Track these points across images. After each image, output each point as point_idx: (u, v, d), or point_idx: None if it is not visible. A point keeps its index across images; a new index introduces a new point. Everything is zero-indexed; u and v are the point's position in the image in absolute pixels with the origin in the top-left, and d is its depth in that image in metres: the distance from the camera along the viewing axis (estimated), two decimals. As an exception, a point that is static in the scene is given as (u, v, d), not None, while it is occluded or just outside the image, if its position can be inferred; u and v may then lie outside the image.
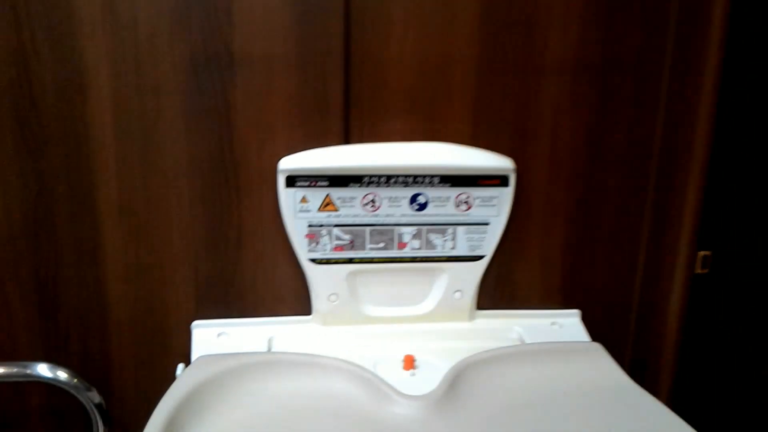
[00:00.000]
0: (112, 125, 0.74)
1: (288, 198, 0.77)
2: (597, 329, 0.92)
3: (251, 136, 0.76)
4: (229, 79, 0.74)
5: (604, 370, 0.79)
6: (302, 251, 0.80)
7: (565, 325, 0.89)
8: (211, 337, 0.81)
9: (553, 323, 0.89)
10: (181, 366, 0.76)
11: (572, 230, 0.87)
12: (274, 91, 0.75)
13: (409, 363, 0.77)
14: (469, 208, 0.81)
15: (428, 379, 0.75)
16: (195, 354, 0.78)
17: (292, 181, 0.76)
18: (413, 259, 0.82)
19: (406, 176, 0.78)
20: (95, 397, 0.73)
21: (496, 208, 0.82)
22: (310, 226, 0.78)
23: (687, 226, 0.85)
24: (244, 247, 0.80)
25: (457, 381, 0.73)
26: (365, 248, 0.81)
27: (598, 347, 0.82)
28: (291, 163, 0.76)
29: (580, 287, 0.90)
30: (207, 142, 0.76)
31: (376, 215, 0.79)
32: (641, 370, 0.95)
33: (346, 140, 0.78)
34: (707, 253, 0.87)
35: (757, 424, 0.95)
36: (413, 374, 0.76)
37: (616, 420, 0.69)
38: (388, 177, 0.78)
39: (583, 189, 0.86)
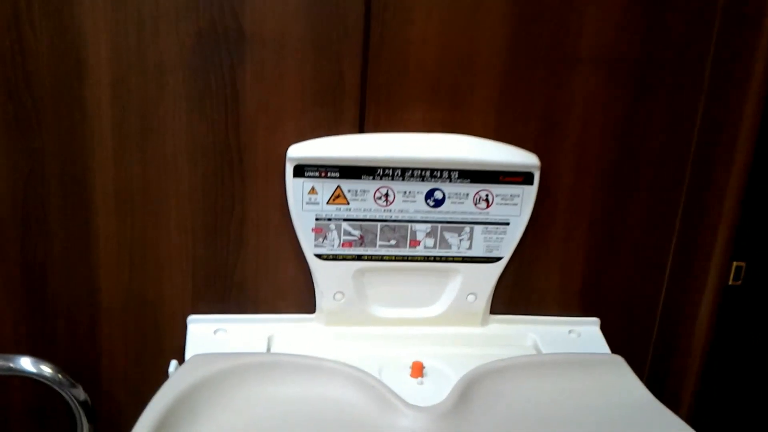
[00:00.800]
0: (110, 104, 0.69)
1: (295, 188, 0.71)
2: (616, 339, 0.88)
3: (259, 121, 0.71)
4: (238, 59, 0.69)
5: (625, 385, 0.75)
6: (308, 246, 0.74)
7: (583, 333, 0.85)
8: (207, 333, 0.76)
9: (570, 331, 0.85)
10: (173, 363, 0.72)
11: (597, 233, 0.82)
12: (286, 73, 0.70)
13: (417, 370, 0.73)
14: (488, 206, 0.76)
15: (437, 389, 0.71)
16: (189, 350, 0.73)
17: (300, 170, 0.71)
18: (426, 259, 0.77)
19: (423, 170, 0.73)
20: (80, 393, 0.68)
21: (518, 207, 0.77)
22: (317, 219, 0.73)
23: (723, 233, 0.80)
24: (247, 239, 0.75)
25: (467, 392, 0.69)
26: (375, 245, 0.76)
27: (619, 360, 0.77)
28: (300, 151, 0.70)
29: (601, 294, 0.85)
30: (211, 125, 0.71)
31: (389, 210, 0.74)
32: (661, 384, 0.90)
33: (361, 129, 0.73)
34: (741, 263, 0.82)
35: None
36: (421, 382, 0.72)
37: None
38: (404, 170, 0.73)
39: (611, 190, 0.81)
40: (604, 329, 0.87)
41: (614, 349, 0.86)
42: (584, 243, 0.83)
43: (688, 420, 0.89)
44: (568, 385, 0.74)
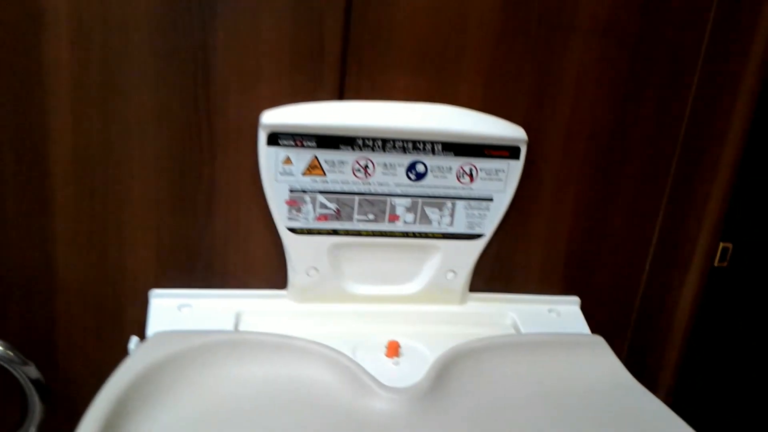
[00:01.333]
0: (69, 62, 0.63)
1: (269, 158, 0.67)
2: (596, 318, 0.86)
3: (231, 84, 0.66)
4: (210, 15, 0.63)
5: (605, 366, 0.74)
6: (281, 219, 0.70)
7: (563, 312, 0.83)
8: (171, 309, 0.72)
9: (550, 310, 0.83)
10: (134, 339, 0.67)
11: (582, 211, 0.80)
12: (262, 32, 0.65)
13: (393, 350, 0.70)
14: (472, 180, 0.73)
15: (413, 369, 0.69)
16: (152, 327, 0.69)
17: (274, 138, 0.66)
18: (405, 234, 0.74)
19: (405, 141, 0.69)
20: (32, 371, 0.64)
21: (503, 183, 0.74)
22: (291, 191, 0.69)
23: (711, 213, 0.77)
24: (215, 210, 0.71)
25: (444, 373, 0.67)
26: (352, 220, 0.72)
27: (600, 341, 0.76)
28: (275, 117, 0.66)
29: (583, 273, 0.83)
30: (179, 88, 0.65)
31: (368, 183, 0.70)
32: (641, 365, 0.89)
33: (340, 96, 0.68)
34: (728, 245, 0.80)
35: (761, 429, 0.89)
36: (397, 363, 0.70)
37: (616, 422, 0.65)
38: (385, 141, 0.68)
39: (599, 168, 0.78)
40: (584, 308, 0.85)
41: (594, 329, 0.85)
42: (568, 221, 0.80)
43: (668, 401, 0.88)
44: (548, 366, 0.72)
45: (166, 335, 0.66)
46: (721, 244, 0.80)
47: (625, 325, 0.88)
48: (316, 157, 0.68)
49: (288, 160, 0.67)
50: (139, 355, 0.62)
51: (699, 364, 0.89)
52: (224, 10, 0.63)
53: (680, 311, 0.84)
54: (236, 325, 0.72)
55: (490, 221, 0.75)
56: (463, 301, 0.81)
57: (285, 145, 0.66)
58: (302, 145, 0.67)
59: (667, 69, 0.75)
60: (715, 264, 0.80)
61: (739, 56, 0.73)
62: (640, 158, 0.78)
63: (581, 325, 0.81)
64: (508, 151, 0.72)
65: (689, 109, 0.77)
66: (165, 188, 0.69)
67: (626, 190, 0.80)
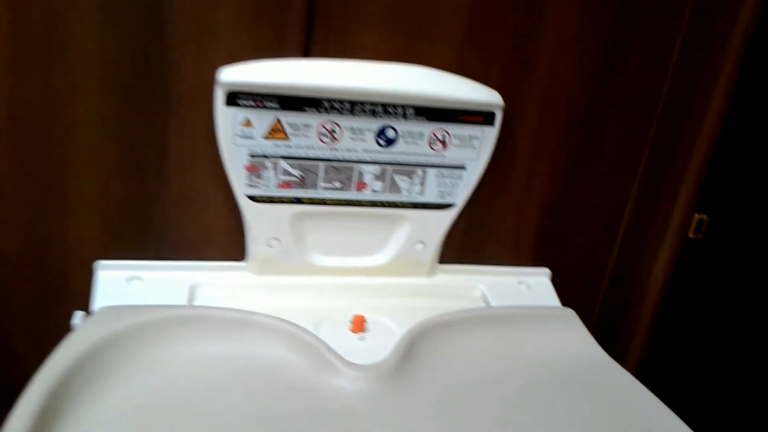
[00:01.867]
0: (6, 8, 0.56)
1: (227, 119, 0.61)
2: (567, 290, 0.84)
3: (187, 37, 0.60)
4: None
5: (575, 340, 0.72)
6: (240, 186, 0.65)
7: (533, 285, 0.80)
8: (119, 282, 0.67)
9: (520, 282, 0.80)
10: (78, 314, 0.62)
11: (556, 182, 0.77)
12: (218, -21, 0.59)
13: (359, 325, 0.67)
14: (444, 147, 0.68)
15: (380, 345, 0.66)
16: (98, 301, 0.64)
17: (233, 98, 0.60)
18: (373, 204, 0.70)
19: (375, 104, 0.64)
20: (-33, 351, 0.58)
21: (476, 151, 0.70)
22: (252, 156, 0.64)
23: (688, 184, 0.75)
24: (168, 175, 0.65)
25: (412, 348, 0.64)
26: (317, 187, 0.67)
27: (571, 314, 0.74)
28: (234, 75, 0.60)
29: (554, 244, 0.80)
30: (129, 40, 0.59)
31: (335, 149, 0.65)
32: (610, 337, 0.87)
33: (306, 53, 0.63)
34: (704, 216, 0.78)
35: (730, 404, 0.89)
36: (362, 338, 0.66)
37: (586, 396, 0.63)
38: (353, 103, 0.63)
39: (575, 137, 0.75)
40: (555, 280, 0.82)
41: (564, 301, 0.83)
42: (542, 191, 0.77)
43: (638, 374, 0.87)
44: (518, 340, 0.70)
45: (112, 310, 0.61)
46: (697, 216, 0.78)
47: (596, 297, 0.86)
48: (278, 120, 0.63)
49: (248, 123, 0.62)
50: (82, 332, 0.57)
51: (670, 336, 0.87)
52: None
53: (652, 283, 0.82)
54: (190, 300, 0.67)
55: (462, 191, 0.72)
56: (431, 273, 0.77)
57: (245, 106, 0.61)
58: (263, 106, 0.61)
59: (648, 37, 0.71)
60: (690, 236, 0.78)
61: (723, 28, 0.70)
62: (617, 128, 0.75)
63: (551, 298, 0.79)
64: (483, 117, 0.68)
65: (669, 79, 0.74)
66: (112, 151, 0.63)
67: (601, 160, 0.77)
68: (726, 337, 0.88)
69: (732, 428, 0.85)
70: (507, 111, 0.71)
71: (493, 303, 0.76)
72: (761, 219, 0.82)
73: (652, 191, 0.79)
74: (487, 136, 0.69)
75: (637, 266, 0.83)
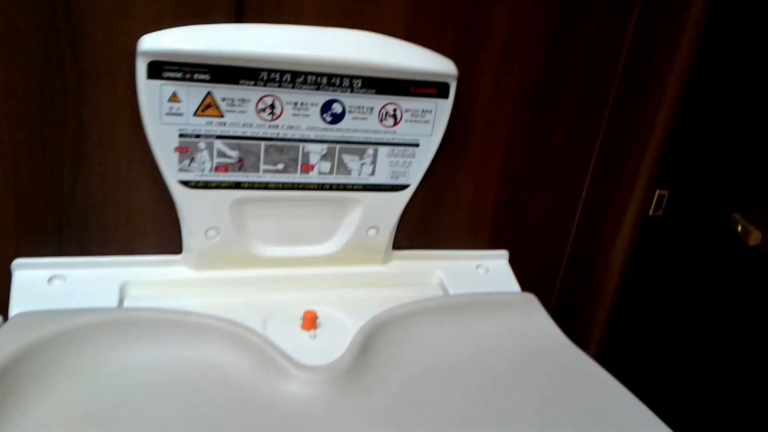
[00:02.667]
0: None
1: (151, 94, 0.54)
2: (525, 272, 0.80)
3: (98, 0, 0.52)
4: None
5: (537, 326, 0.69)
6: (170, 170, 0.58)
7: (492, 268, 0.76)
8: (39, 283, 0.59)
9: (478, 266, 0.76)
10: (-5, 318, 0.55)
11: (513, 157, 0.72)
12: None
13: (310, 321, 0.61)
14: (396, 123, 0.63)
15: (333, 342, 0.60)
16: (15, 306, 0.57)
17: (157, 69, 0.54)
18: (320, 187, 0.64)
19: (319, 75, 0.58)
20: None
21: (430, 126, 0.65)
22: (182, 136, 0.57)
23: (648, 158, 0.71)
24: (87, 159, 0.58)
25: (368, 345, 0.60)
26: (258, 170, 0.61)
27: (531, 299, 0.71)
28: (156, 42, 0.53)
29: (512, 224, 0.76)
30: (33, 3, 0.51)
31: (276, 126, 0.59)
32: (570, 318, 0.84)
33: (239, 17, 0.56)
34: (664, 192, 0.75)
35: (691, 386, 0.86)
36: (314, 336, 0.61)
37: (549, 383, 0.60)
38: (294, 74, 0.57)
39: (532, 108, 0.70)
40: (513, 262, 0.78)
41: (523, 283, 0.79)
42: (498, 168, 0.73)
43: (598, 355, 0.84)
44: (478, 329, 0.67)
45: (30, 317, 0.54)
46: (657, 191, 0.74)
47: (555, 278, 0.83)
48: (210, 94, 0.56)
49: (175, 97, 0.55)
50: (-5, 342, 0.50)
51: (630, 317, 0.84)
52: None
53: (613, 261, 0.79)
54: (121, 300, 0.60)
55: (415, 170, 0.67)
56: (386, 260, 0.72)
57: (171, 78, 0.54)
58: (193, 79, 0.55)
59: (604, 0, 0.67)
60: (650, 213, 0.75)
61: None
62: (573, 99, 0.71)
63: (510, 281, 0.75)
64: (436, 89, 0.63)
65: (627, 46, 0.70)
66: (21, 133, 0.55)
67: (558, 133, 0.73)
68: (688, 319, 0.85)
69: (692, 410, 0.83)
70: (461, 81, 0.66)
71: (451, 289, 0.72)
72: (722, 192, 0.79)
73: (611, 166, 0.75)
74: (441, 110, 0.64)
75: (597, 245, 0.79)
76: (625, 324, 0.84)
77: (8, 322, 0.53)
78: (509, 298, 0.71)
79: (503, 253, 0.78)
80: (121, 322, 0.55)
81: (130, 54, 0.54)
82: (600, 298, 0.81)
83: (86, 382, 0.51)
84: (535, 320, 0.69)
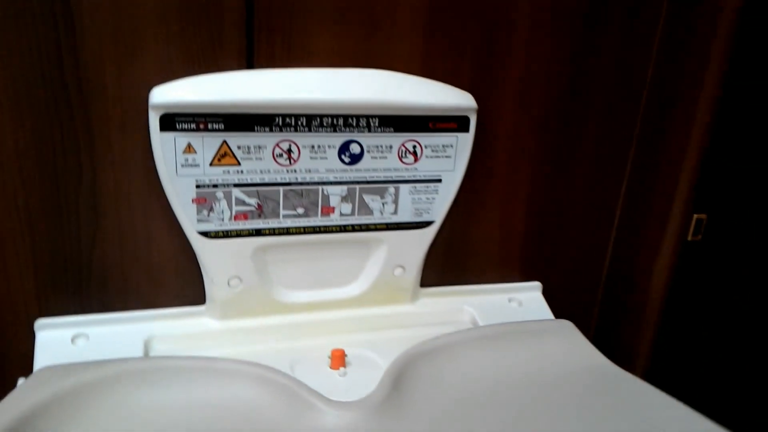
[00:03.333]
0: None
1: (165, 147, 0.53)
2: (560, 303, 0.77)
3: (106, 52, 0.52)
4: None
5: (577, 351, 0.66)
6: (189, 221, 0.57)
7: (525, 301, 0.74)
8: (63, 342, 0.58)
9: (510, 299, 0.74)
10: (21, 381, 0.54)
11: (539, 186, 0.70)
12: (139, -15, 0.51)
13: (338, 360, 0.60)
14: (416, 160, 0.61)
15: (364, 379, 0.58)
16: (39, 365, 0.55)
17: (170, 121, 0.53)
18: (342, 229, 0.62)
19: (335, 116, 0.57)
20: None
21: (452, 161, 0.63)
22: (199, 186, 0.56)
23: (684, 180, 0.68)
24: (104, 214, 0.57)
25: (401, 379, 0.57)
26: (278, 216, 0.59)
27: (568, 325, 0.68)
28: (168, 94, 0.52)
29: (543, 255, 0.74)
30: (38, 60, 0.51)
31: (293, 171, 0.58)
32: (611, 349, 0.80)
33: (250, 63, 0.55)
34: (702, 216, 0.71)
35: (739, 408, 0.82)
36: (344, 374, 0.59)
37: (597, 404, 0.57)
38: (310, 118, 0.56)
39: (556, 135, 0.68)
40: (547, 293, 0.75)
41: (558, 314, 0.76)
42: (525, 198, 0.70)
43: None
44: (515, 356, 0.64)
45: (52, 370, 0.53)
46: (695, 216, 0.71)
47: (592, 308, 0.79)
48: (225, 143, 0.55)
49: (190, 149, 0.54)
50: (17, 396, 0.49)
51: (675, 345, 0.80)
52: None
53: (653, 289, 0.75)
54: (146, 354, 0.59)
55: (439, 205, 0.65)
56: (414, 298, 0.70)
57: (185, 130, 0.53)
58: (207, 129, 0.54)
59: (626, 19, 0.65)
60: (689, 238, 0.72)
61: (709, 4, 0.64)
62: (598, 124, 0.69)
63: (545, 313, 0.73)
64: (457, 123, 0.61)
65: (653, 66, 0.68)
66: (35, 191, 0.55)
67: (585, 159, 0.71)
68: (735, 342, 0.81)
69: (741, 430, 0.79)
70: (481, 113, 0.64)
71: (483, 324, 0.69)
72: (763, 214, 0.76)
73: (644, 190, 0.72)
74: (463, 144, 0.63)
75: (634, 273, 0.76)
76: (670, 353, 0.81)
77: (32, 374, 0.52)
78: (545, 325, 0.68)
79: (536, 285, 0.75)
80: (147, 370, 0.54)
81: (141, 106, 0.54)
82: (641, 328, 0.78)
83: (113, 428, 0.50)
84: (574, 345, 0.66)
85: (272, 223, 0.60)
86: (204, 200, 0.56)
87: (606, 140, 0.70)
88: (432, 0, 0.58)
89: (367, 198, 0.62)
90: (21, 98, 0.51)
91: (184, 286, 0.62)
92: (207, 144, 0.54)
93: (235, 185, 0.57)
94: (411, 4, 0.57)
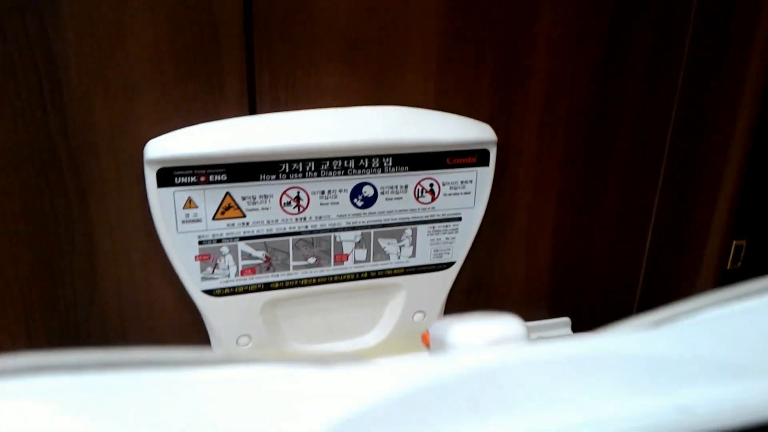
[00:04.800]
0: None
1: (164, 203, 0.49)
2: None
3: (96, 106, 0.48)
4: (50, 12, 0.45)
5: None
6: (192, 280, 0.52)
7: (554, 338, 0.68)
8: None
9: (538, 338, 0.68)
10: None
11: (565, 218, 0.66)
12: (128, 27, 0.47)
13: None
14: (434, 198, 0.57)
15: None
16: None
17: (168, 176, 0.48)
18: (358, 276, 0.58)
19: (345, 159, 0.53)
20: None
21: (471, 197, 0.59)
22: (202, 242, 0.51)
23: (721, 207, 0.64)
24: (101, 276, 0.52)
25: None
26: (288, 267, 0.55)
27: None
28: (165, 148, 0.48)
29: (571, 290, 0.69)
30: (23, 119, 0.47)
31: (303, 219, 0.54)
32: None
33: (252, 108, 0.51)
34: (742, 242, 0.67)
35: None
36: None
37: None
38: (318, 162, 0.52)
39: (581, 165, 0.64)
40: (576, 329, 0.71)
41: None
42: (550, 232, 0.66)
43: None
44: None
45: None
46: (734, 242, 0.66)
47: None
48: (229, 194, 0.50)
49: (191, 203, 0.50)
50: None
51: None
52: (70, 3, 0.45)
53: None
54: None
55: (460, 245, 0.60)
56: (436, 344, 0.65)
57: (184, 184, 0.49)
58: (208, 181, 0.49)
59: (654, 31, 0.61)
60: (728, 267, 0.67)
61: (746, 20, 0.60)
62: (628, 145, 0.65)
63: (576, 352, 0.67)
64: (476, 157, 0.57)
65: (684, 77, 0.63)
66: (27, 256, 0.50)
67: (612, 189, 0.66)
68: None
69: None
70: (501, 145, 0.59)
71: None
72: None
73: (678, 217, 0.68)
74: (483, 178, 0.58)
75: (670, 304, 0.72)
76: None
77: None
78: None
79: (565, 321, 0.71)
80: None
81: (136, 160, 0.49)
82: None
83: None
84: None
85: (282, 276, 0.55)
86: (208, 257, 0.52)
87: (634, 165, 0.66)
88: (445, 27, 0.54)
89: (382, 242, 0.57)
90: (8, 161, 0.47)
91: (190, 346, 0.57)
92: (209, 197, 0.50)
93: (241, 238, 0.52)
94: (423, 33, 0.53)
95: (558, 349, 0.27)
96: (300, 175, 0.52)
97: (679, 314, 0.31)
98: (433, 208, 0.58)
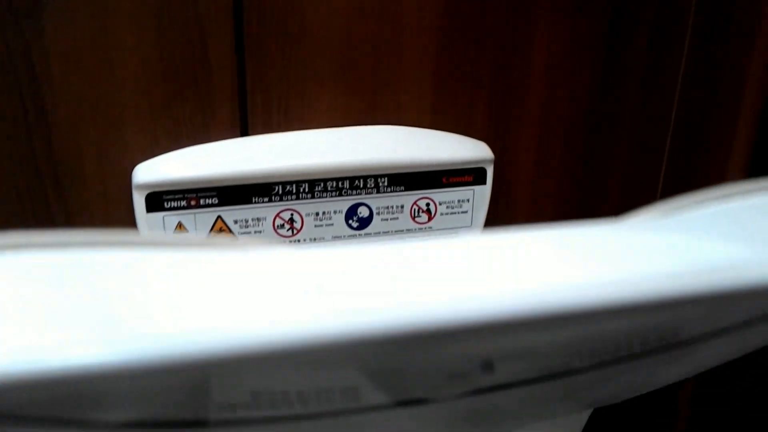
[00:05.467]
0: None
1: (153, 228, 0.47)
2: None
3: (82, 131, 0.46)
4: (34, 35, 0.44)
5: None
6: (184, 307, 0.51)
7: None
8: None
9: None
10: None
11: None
12: (115, 48, 0.45)
13: None
14: (430, 218, 0.56)
15: None
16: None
17: (157, 200, 0.47)
18: (354, 299, 0.56)
19: (340, 180, 0.51)
20: None
21: (468, 216, 0.57)
22: (193, 268, 0.49)
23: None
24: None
25: None
26: (283, 292, 0.53)
27: None
28: (153, 172, 0.46)
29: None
30: (7, 143, 0.45)
31: (297, 241, 0.52)
32: (647, 395, 0.75)
33: (243, 130, 0.50)
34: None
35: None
36: None
37: None
38: (312, 183, 0.51)
39: (582, 177, 0.63)
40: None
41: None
42: (549, 249, 0.64)
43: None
44: None
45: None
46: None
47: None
48: (220, 218, 0.49)
49: (181, 227, 0.48)
50: None
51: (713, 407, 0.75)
52: (54, 26, 0.44)
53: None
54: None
55: (458, 265, 0.59)
56: (435, 367, 0.63)
57: (174, 208, 0.47)
58: (199, 205, 0.48)
59: (653, 39, 0.60)
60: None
61: (747, 28, 0.59)
62: (627, 159, 0.64)
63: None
64: (472, 175, 0.56)
65: (682, 86, 0.63)
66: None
67: (613, 198, 0.65)
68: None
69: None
70: (499, 162, 0.58)
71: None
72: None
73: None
74: (480, 197, 0.57)
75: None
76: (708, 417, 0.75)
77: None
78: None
79: (563, 338, 0.70)
80: None
81: (125, 185, 0.48)
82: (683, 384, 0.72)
83: None
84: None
85: (277, 301, 0.54)
86: (199, 283, 0.50)
87: (634, 176, 0.65)
88: (439, 44, 0.53)
89: (379, 264, 0.56)
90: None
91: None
92: (200, 221, 0.48)
93: (234, 263, 0.51)
94: (417, 52, 0.52)
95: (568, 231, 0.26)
96: (293, 196, 0.50)
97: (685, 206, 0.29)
98: (430, 227, 0.57)
